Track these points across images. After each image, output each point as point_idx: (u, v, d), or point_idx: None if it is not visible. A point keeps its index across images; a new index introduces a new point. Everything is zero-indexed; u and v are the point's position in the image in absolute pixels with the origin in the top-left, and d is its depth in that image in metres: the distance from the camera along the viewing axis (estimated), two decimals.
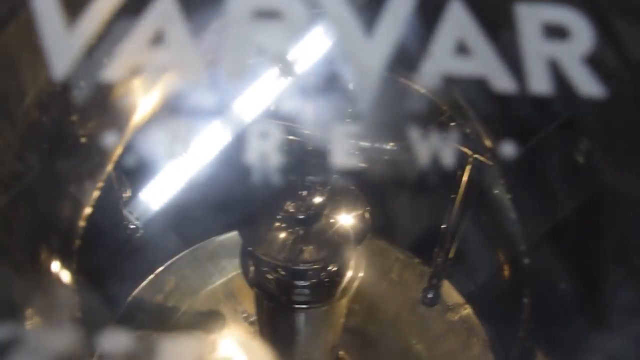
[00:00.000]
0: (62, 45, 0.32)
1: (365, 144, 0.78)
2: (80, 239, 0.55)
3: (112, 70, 0.34)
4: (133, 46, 0.34)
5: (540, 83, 0.35)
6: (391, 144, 0.81)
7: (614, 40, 0.38)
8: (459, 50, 0.35)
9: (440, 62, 0.34)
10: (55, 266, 0.53)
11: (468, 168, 0.83)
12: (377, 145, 0.80)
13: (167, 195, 0.98)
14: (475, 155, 0.80)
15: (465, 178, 0.84)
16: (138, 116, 0.61)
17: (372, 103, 0.34)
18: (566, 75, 0.35)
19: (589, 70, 0.35)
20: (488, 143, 0.65)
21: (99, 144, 0.54)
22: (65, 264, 0.54)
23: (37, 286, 0.50)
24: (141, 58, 0.34)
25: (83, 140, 0.52)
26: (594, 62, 0.36)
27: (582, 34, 0.35)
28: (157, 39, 0.34)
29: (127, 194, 0.93)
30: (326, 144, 0.84)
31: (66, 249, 0.55)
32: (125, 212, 0.96)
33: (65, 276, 0.54)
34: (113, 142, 0.55)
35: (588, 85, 0.35)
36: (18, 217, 0.51)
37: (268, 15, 0.34)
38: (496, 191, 0.84)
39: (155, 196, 0.98)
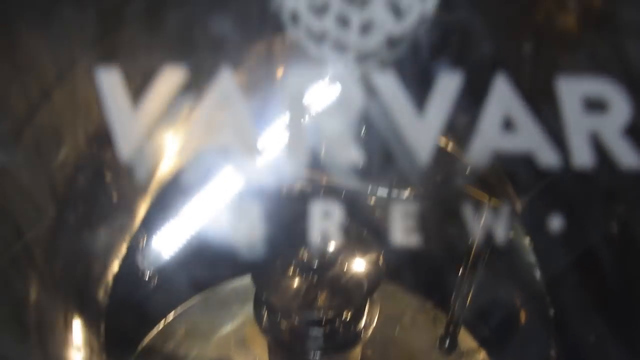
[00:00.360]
0: (128, 127, 0.32)
1: (382, 193, 0.79)
2: (107, 295, 0.55)
3: (173, 151, 0.35)
4: (194, 126, 0.34)
5: (582, 157, 0.36)
6: (408, 192, 0.82)
7: None
8: (505, 126, 0.36)
9: (488, 139, 0.35)
10: (84, 325, 0.53)
11: (484, 214, 0.83)
12: (394, 194, 0.81)
13: (180, 241, 0.97)
14: (491, 202, 0.80)
15: (482, 223, 0.84)
16: (163, 171, 0.62)
17: (423, 178, 0.35)
18: (606, 147, 0.36)
19: (628, 142, 0.36)
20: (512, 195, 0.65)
21: (127, 201, 0.54)
22: (94, 323, 0.54)
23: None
24: (202, 138, 0.35)
25: (115, 198, 0.53)
26: (632, 132, 0.37)
27: (620, 106, 0.36)
28: (218, 118, 0.35)
29: (143, 240, 0.93)
30: (341, 190, 0.84)
31: (93, 305, 0.54)
32: (138, 258, 0.96)
33: (94, 334, 0.53)
34: (140, 200, 0.56)
35: (628, 156, 0.36)
36: (50, 272, 0.51)
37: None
38: (514, 237, 0.84)
39: (167, 242, 0.98)
